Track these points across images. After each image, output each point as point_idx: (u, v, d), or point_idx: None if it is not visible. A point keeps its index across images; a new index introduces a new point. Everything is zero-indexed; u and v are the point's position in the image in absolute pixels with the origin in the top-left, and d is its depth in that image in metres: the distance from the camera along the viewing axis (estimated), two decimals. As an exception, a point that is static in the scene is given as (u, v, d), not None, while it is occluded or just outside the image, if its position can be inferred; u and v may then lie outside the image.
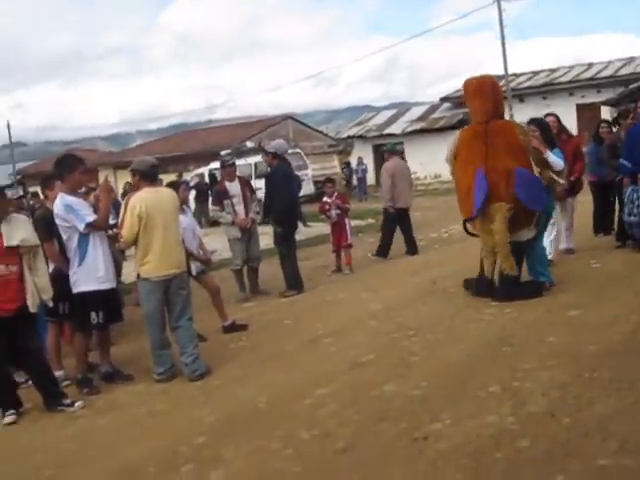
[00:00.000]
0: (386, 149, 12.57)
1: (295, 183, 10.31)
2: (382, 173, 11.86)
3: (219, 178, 24.77)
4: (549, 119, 8.70)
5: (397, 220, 11.79)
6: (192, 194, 22.46)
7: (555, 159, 7.48)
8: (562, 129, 8.97)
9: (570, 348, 5.45)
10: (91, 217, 6.10)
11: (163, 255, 6.19)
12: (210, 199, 24.00)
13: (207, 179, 24.94)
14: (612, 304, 6.56)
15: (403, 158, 13.54)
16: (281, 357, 6.48)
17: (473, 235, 7.64)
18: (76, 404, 5.76)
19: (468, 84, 7.65)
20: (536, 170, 7.27)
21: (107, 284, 6.30)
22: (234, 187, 9.79)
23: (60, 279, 6.24)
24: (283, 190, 9.54)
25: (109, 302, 6.35)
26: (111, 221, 6.81)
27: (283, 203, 9.54)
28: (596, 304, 6.65)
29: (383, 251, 11.77)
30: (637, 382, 4.58)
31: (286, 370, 6.02)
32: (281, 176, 9.62)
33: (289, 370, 6.00)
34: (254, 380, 5.87)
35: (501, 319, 6.62)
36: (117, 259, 7.91)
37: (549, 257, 8.35)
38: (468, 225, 7.57)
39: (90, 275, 6.15)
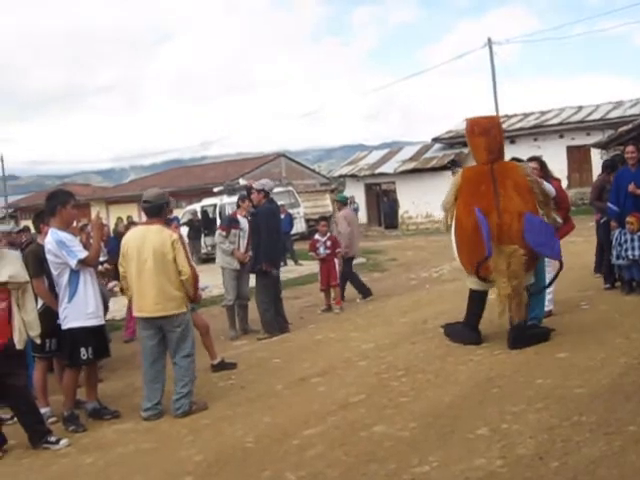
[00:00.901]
0: (339, 199, 13.39)
1: (280, 222, 10.36)
2: (341, 221, 12.18)
3: (210, 215, 24.99)
4: (531, 164, 8.00)
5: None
6: (184, 230, 22.57)
7: (548, 186, 7.40)
8: (544, 175, 8.09)
9: (558, 390, 5.45)
10: (83, 253, 6.10)
11: (138, 296, 6.25)
12: (202, 235, 24.16)
13: (200, 216, 25.01)
14: (600, 347, 6.58)
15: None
16: (270, 396, 6.45)
17: (484, 280, 7.16)
18: (61, 442, 5.69)
19: (475, 122, 7.52)
20: (540, 212, 7.18)
21: (96, 320, 6.28)
22: (243, 222, 10.05)
23: (49, 315, 6.23)
24: (271, 230, 9.56)
25: (98, 338, 6.33)
26: (101, 258, 6.81)
27: (271, 243, 9.52)
28: (584, 346, 6.66)
29: (365, 291, 11.99)
30: (625, 426, 4.58)
31: (275, 410, 5.98)
32: (267, 215, 9.67)
33: (278, 410, 5.97)
34: (242, 419, 5.84)
35: (490, 360, 6.62)
36: (105, 295, 7.91)
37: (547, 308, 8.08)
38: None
39: (80, 311, 6.14)
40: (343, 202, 13.12)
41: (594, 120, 28.74)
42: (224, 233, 9.99)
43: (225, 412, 6.12)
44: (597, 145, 25.53)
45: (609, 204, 9.08)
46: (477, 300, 7.43)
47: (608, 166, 10.29)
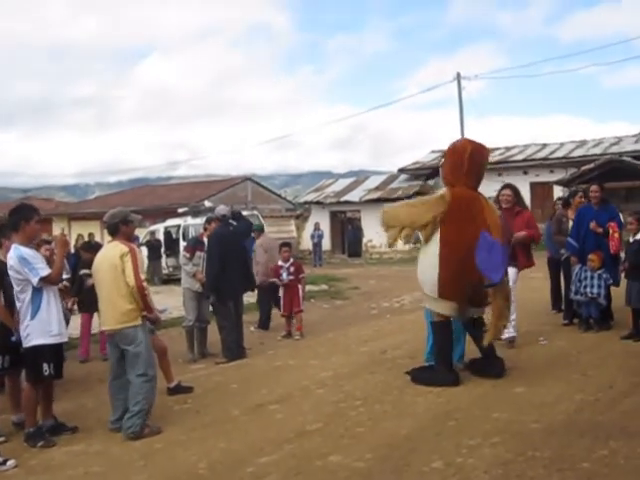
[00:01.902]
0: (256, 228, 13.25)
1: (238, 248, 9.98)
2: (258, 249, 12.36)
3: (174, 236, 24.78)
4: (505, 192, 8.55)
5: (271, 292, 12.03)
6: (144, 251, 22.34)
7: None
8: (517, 202, 8.58)
9: (514, 425, 5.47)
10: (45, 271, 6.01)
11: (100, 311, 6.56)
12: (165, 256, 23.92)
13: (158, 236, 24.73)
14: (557, 382, 6.63)
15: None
16: (225, 422, 6.36)
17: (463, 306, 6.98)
18: (8, 462, 5.52)
19: (478, 148, 7.27)
20: None
21: (58, 338, 6.19)
22: None
23: (3, 332, 6.10)
24: (214, 255, 9.48)
25: (58, 356, 6.24)
26: (64, 275, 6.71)
27: (212, 268, 9.45)
28: (541, 382, 6.71)
29: (264, 323, 12.10)
30: (579, 462, 4.61)
31: (230, 435, 5.90)
32: (214, 240, 9.63)
33: (233, 436, 5.89)
34: (196, 444, 5.75)
35: (448, 393, 6.62)
36: (66, 312, 7.79)
37: (509, 335, 8.25)
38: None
39: (43, 329, 6.04)
40: (260, 230, 13.23)
41: (557, 158, 29.32)
42: (188, 255, 9.96)
43: (179, 437, 6.01)
44: (560, 182, 26.02)
45: (569, 239, 9.25)
46: (445, 330, 7.11)
47: (564, 202, 10.69)
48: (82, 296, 9.74)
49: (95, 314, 9.88)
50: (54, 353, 6.14)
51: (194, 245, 10.11)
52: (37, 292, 6.03)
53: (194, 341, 9.82)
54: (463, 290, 6.89)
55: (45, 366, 6.05)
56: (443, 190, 7.16)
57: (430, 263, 6.99)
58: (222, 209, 10.23)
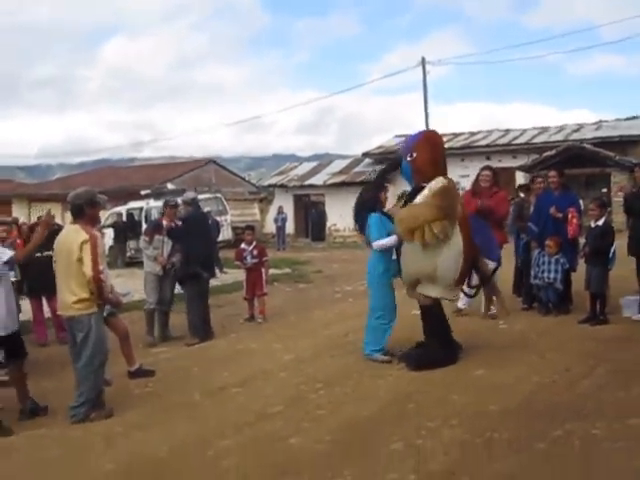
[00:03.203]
0: None
1: (210, 230, 10.33)
2: None
3: (136, 218, 24.55)
4: (484, 173, 9.14)
5: None
6: (110, 233, 22.10)
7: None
8: (495, 183, 9.13)
9: (472, 407, 5.55)
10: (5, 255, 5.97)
11: (57, 294, 6.32)
12: (127, 239, 23.66)
13: (125, 218, 24.52)
14: (515, 365, 6.73)
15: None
16: (187, 405, 6.35)
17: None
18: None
19: (440, 137, 7.59)
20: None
21: (8, 329, 6.07)
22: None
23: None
24: (198, 234, 9.60)
25: (12, 342, 6.14)
26: (12, 278, 6.66)
27: (204, 247, 9.56)
28: (500, 365, 6.80)
29: None
30: (535, 443, 4.70)
31: (191, 419, 5.90)
32: (194, 221, 9.74)
33: (194, 419, 5.89)
34: (157, 428, 5.73)
35: (408, 375, 6.69)
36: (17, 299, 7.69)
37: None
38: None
39: None
40: None
41: (520, 144, 29.52)
42: (147, 239, 9.85)
43: (140, 420, 5.99)
44: (522, 168, 26.30)
45: (530, 224, 9.40)
46: (439, 310, 7.15)
47: (525, 187, 10.97)
48: (30, 281, 9.54)
49: (44, 298, 9.79)
50: (4, 342, 6.03)
51: (153, 229, 10.02)
52: None
53: (154, 324, 9.76)
54: (469, 273, 7.29)
55: None
56: (441, 181, 6.88)
57: (455, 255, 6.82)
58: (191, 194, 10.42)
